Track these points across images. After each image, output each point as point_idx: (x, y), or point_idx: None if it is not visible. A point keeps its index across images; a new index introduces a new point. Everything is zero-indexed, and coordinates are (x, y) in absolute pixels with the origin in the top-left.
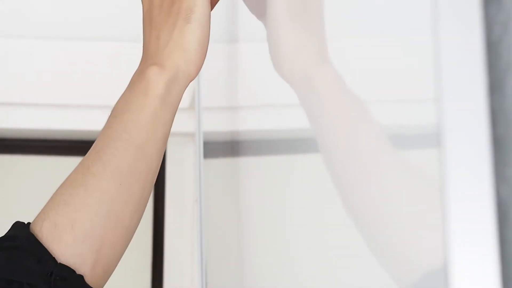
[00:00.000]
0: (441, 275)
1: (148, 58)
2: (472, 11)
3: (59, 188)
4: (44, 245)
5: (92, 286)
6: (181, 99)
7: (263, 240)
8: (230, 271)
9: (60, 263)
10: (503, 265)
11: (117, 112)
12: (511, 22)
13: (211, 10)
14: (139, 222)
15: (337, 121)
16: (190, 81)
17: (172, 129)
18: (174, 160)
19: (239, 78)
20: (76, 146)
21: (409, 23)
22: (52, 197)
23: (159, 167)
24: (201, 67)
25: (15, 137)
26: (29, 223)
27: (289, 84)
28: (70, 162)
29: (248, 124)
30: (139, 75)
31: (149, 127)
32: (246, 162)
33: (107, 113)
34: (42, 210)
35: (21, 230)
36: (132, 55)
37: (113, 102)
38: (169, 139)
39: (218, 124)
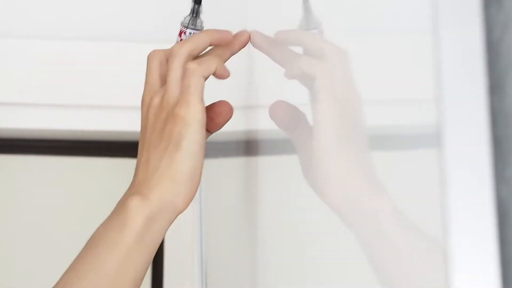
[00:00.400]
0: (441, 275)
1: (135, 184)
2: (472, 11)
3: None
4: None
5: None
6: (164, 234)
7: (264, 240)
8: (230, 271)
9: None
10: (503, 265)
11: (92, 243)
12: (511, 22)
13: (215, 131)
14: None
15: (404, 257)
16: (178, 215)
17: None
18: None
19: (239, 78)
20: (76, 146)
21: (409, 23)
22: None
23: None
24: (191, 200)
25: (15, 137)
26: None
27: (337, 213)
28: (70, 162)
29: (248, 124)
30: (121, 204)
31: (119, 269)
32: (246, 162)
33: (107, 113)
34: None
35: None
36: (132, 55)
37: (113, 102)
38: None
39: None
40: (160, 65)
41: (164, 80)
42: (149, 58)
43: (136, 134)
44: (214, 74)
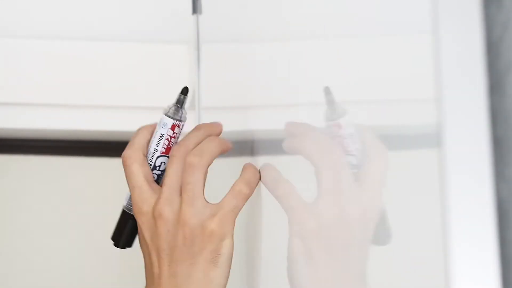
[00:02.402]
0: (441, 275)
1: None
2: (472, 11)
3: None
4: None
5: None
6: None
7: (264, 240)
8: (232, 277)
9: None
10: (503, 265)
11: None
12: (511, 22)
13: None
14: None
15: None
16: None
17: None
18: None
19: (240, 78)
20: (76, 146)
21: (409, 23)
22: None
23: None
24: None
25: (15, 137)
26: None
27: None
28: (70, 162)
29: (248, 124)
30: None
31: None
32: (246, 162)
33: (107, 113)
34: None
35: None
36: (132, 55)
37: (113, 102)
38: None
39: None
40: (141, 167)
41: (149, 180)
42: (125, 162)
43: None
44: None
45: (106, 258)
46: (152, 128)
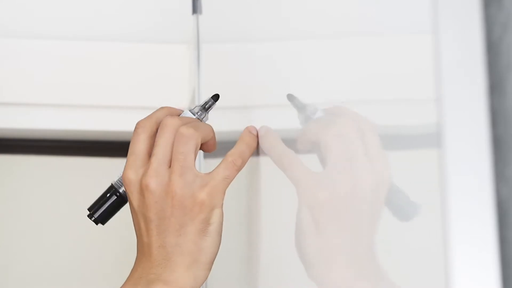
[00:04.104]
0: (441, 275)
1: (152, 267)
2: (472, 11)
3: None
4: None
5: None
6: None
7: (265, 239)
8: (230, 271)
9: None
10: (503, 265)
11: None
12: (511, 22)
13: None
14: None
15: None
16: None
17: None
18: None
19: (240, 78)
20: (76, 146)
21: (409, 23)
22: None
23: None
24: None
25: (15, 137)
26: None
27: None
28: (70, 162)
29: (248, 124)
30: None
31: None
32: (248, 162)
33: (107, 113)
34: None
35: None
36: (132, 55)
37: (113, 102)
38: None
39: (218, 124)
40: (148, 138)
41: (149, 153)
42: (136, 129)
43: None
44: (206, 144)
45: (105, 257)
46: (174, 111)
